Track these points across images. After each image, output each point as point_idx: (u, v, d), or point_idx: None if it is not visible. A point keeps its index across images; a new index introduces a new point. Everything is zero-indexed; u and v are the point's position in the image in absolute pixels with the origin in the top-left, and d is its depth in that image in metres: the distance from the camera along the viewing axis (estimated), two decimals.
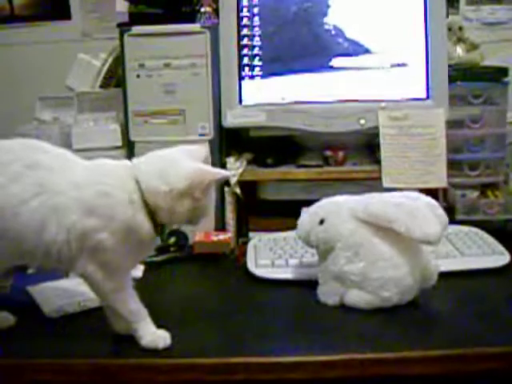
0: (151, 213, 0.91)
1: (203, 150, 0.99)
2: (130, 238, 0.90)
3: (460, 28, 1.57)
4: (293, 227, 1.10)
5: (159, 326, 0.93)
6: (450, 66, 1.42)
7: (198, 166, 0.93)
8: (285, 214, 1.15)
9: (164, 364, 0.88)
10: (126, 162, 0.96)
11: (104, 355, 0.90)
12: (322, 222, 1.04)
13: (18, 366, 0.90)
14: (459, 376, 0.89)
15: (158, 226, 0.93)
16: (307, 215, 1.07)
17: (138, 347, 0.90)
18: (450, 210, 1.45)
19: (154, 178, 0.91)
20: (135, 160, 0.96)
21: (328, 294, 1.03)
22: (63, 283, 1.14)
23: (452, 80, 1.40)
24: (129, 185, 0.91)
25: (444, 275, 1.06)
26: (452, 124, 1.40)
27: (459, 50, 1.55)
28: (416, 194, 1.03)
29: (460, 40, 1.56)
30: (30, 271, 1.21)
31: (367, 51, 1.41)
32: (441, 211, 1.01)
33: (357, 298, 1.00)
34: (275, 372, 0.87)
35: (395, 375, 0.87)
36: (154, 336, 0.91)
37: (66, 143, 1.42)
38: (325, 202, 1.08)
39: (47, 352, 0.92)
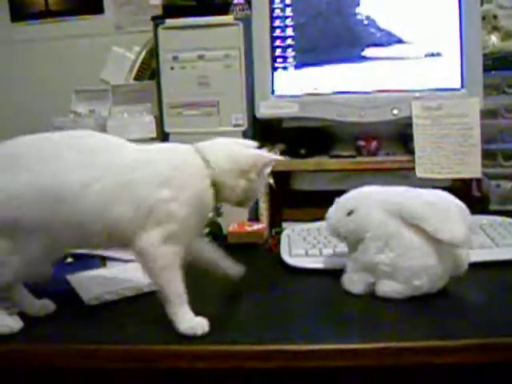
0: (215, 189, 0.97)
1: (254, 143, 1.06)
2: (196, 212, 0.95)
3: (494, 16, 1.55)
4: None
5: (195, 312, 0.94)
6: (484, 54, 1.41)
7: (256, 150, 1.03)
8: (318, 204, 1.15)
9: (201, 351, 0.89)
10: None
11: (142, 342, 0.92)
12: (350, 213, 1.04)
13: (58, 351, 0.92)
14: (492, 365, 0.89)
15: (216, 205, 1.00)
16: (335, 207, 1.07)
17: (175, 334, 0.91)
18: (483, 201, 1.45)
19: (220, 156, 0.98)
20: (196, 144, 1.01)
21: (354, 282, 1.04)
22: (101, 272, 1.17)
23: (486, 69, 1.39)
24: (198, 161, 0.97)
25: (477, 266, 1.06)
26: (486, 113, 1.39)
27: (494, 39, 1.53)
28: (447, 195, 1.02)
29: (495, 28, 1.54)
30: (68, 260, 1.24)
31: (400, 41, 1.40)
32: (468, 215, 1.01)
33: (388, 288, 1.00)
34: (312, 359, 0.87)
35: (429, 364, 0.87)
36: (192, 322, 0.92)
37: None
38: (353, 193, 1.08)
39: (85, 338, 0.93)
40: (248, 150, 1.01)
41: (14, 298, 1.00)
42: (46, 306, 1.01)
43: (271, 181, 1.37)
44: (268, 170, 1.04)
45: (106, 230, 0.92)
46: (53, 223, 0.91)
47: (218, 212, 1.02)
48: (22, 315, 0.98)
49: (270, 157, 1.03)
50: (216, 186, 0.97)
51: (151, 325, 0.95)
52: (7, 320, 0.95)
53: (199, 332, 0.91)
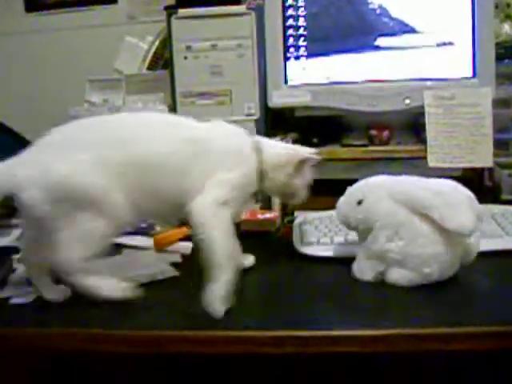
0: (259, 176, 1.06)
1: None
2: (244, 188, 1.04)
3: (508, 5, 1.55)
4: None
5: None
6: (497, 43, 1.41)
7: (294, 147, 1.13)
8: (330, 193, 1.15)
9: (211, 336, 0.90)
10: None
11: (154, 327, 0.93)
12: (360, 202, 1.05)
13: (71, 335, 0.93)
14: (501, 353, 0.90)
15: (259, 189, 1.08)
16: (345, 197, 1.08)
17: (185, 320, 0.93)
18: (495, 190, 1.45)
19: (269, 148, 1.08)
20: None
21: (364, 270, 1.04)
22: (116, 259, 1.18)
23: (499, 58, 1.39)
24: (252, 144, 1.06)
25: (488, 254, 1.06)
26: (499, 103, 1.39)
27: (507, 27, 1.53)
28: (455, 184, 1.02)
29: (507, 17, 1.54)
30: None
31: (413, 30, 1.41)
32: (477, 204, 1.01)
33: (398, 275, 1.01)
34: (323, 345, 0.88)
35: (439, 351, 0.88)
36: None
37: None
38: (362, 182, 1.08)
39: (98, 322, 0.95)
40: (288, 147, 1.12)
41: (36, 281, 1.02)
42: (64, 291, 1.02)
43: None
44: (308, 168, 1.10)
45: (179, 198, 0.99)
46: (136, 193, 0.97)
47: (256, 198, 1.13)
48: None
49: (306, 154, 1.09)
50: (260, 173, 1.05)
51: (163, 311, 0.97)
52: (117, 284, 0.99)
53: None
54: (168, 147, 1.00)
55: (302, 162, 1.08)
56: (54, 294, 1.01)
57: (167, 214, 1.07)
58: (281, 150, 1.10)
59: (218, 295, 0.93)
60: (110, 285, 0.98)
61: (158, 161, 0.99)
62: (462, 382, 1.27)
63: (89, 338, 0.92)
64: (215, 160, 1.01)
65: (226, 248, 0.96)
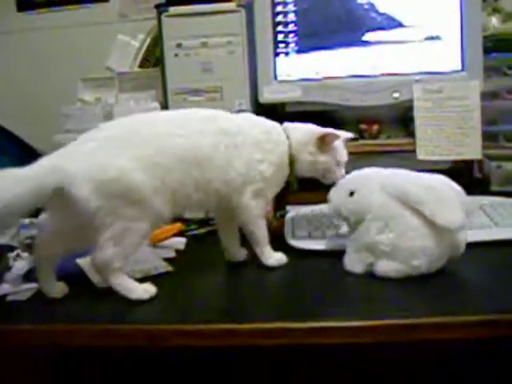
0: (290, 159, 1.13)
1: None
2: (277, 174, 1.11)
3: None
4: None
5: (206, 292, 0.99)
6: (484, 37, 1.42)
7: (314, 126, 1.16)
8: (321, 187, 1.17)
9: (207, 330, 0.91)
10: None
11: (150, 321, 0.95)
12: (352, 193, 1.06)
13: (71, 331, 0.95)
14: (489, 340, 0.91)
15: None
16: (337, 188, 1.10)
17: (182, 313, 0.95)
18: (485, 182, 1.46)
19: (294, 130, 1.14)
20: None
21: (355, 262, 1.06)
22: None
23: (487, 51, 1.40)
24: (280, 131, 1.14)
25: (478, 245, 1.08)
26: (487, 95, 1.40)
27: (494, 21, 1.54)
28: (446, 180, 1.03)
29: (495, 10, 1.55)
30: None
31: (401, 25, 1.42)
32: (467, 200, 1.03)
33: (387, 267, 1.02)
34: (315, 336, 0.89)
35: (430, 340, 0.89)
36: (276, 257, 1.11)
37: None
38: (355, 174, 1.10)
39: (97, 318, 0.96)
40: (311, 126, 1.16)
41: (40, 277, 1.04)
42: (64, 288, 1.05)
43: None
44: (337, 146, 1.15)
45: (221, 188, 1.06)
46: (183, 185, 1.03)
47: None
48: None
49: (324, 130, 1.13)
50: (290, 156, 1.12)
51: (155, 306, 0.98)
52: (142, 286, 1.01)
53: (283, 262, 1.11)
54: (211, 140, 1.05)
55: (322, 139, 1.13)
56: (55, 290, 1.03)
57: (210, 204, 1.10)
58: (303, 129, 1.15)
59: (268, 258, 1.11)
60: (137, 287, 1.00)
61: (204, 154, 1.04)
62: (454, 370, 1.29)
63: (89, 333, 0.94)
64: (248, 151, 1.08)
65: (263, 231, 1.11)
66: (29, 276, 1.12)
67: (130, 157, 0.97)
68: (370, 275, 1.04)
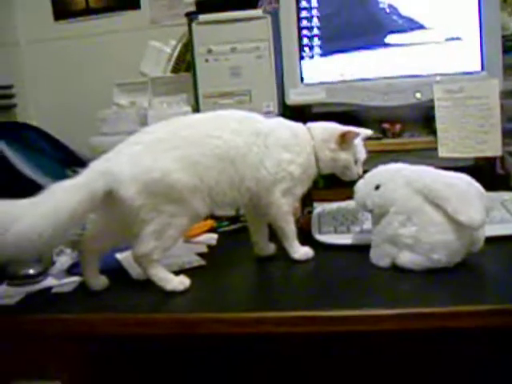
0: (315, 158, 1.17)
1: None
2: (305, 173, 1.16)
3: None
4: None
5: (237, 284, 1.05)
6: (504, 36, 1.45)
7: (335, 124, 1.21)
8: (346, 184, 1.21)
9: (238, 317, 0.97)
10: None
11: (183, 310, 1.01)
12: (377, 187, 1.10)
13: (111, 320, 1.01)
14: (507, 329, 0.95)
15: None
16: (364, 181, 1.14)
17: (213, 303, 1.01)
18: (506, 178, 1.49)
19: (317, 130, 1.19)
20: None
21: (380, 256, 1.09)
22: None
23: (506, 51, 1.43)
24: (306, 131, 1.19)
25: (497, 240, 1.11)
26: (507, 94, 1.43)
27: None
28: (468, 178, 1.06)
29: None
30: None
31: (421, 27, 1.46)
32: (487, 197, 1.05)
33: (408, 259, 1.05)
34: (342, 325, 0.94)
35: (446, 328, 0.93)
36: (303, 251, 1.16)
37: (143, 125, 1.50)
38: (381, 168, 1.14)
39: (138, 307, 1.03)
40: (333, 124, 1.20)
41: (85, 271, 1.10)
42: (105, 282, 1.11)
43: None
44: (357, 144, 1.19)
45: (252, 186, 1.12)
46: (219, 183, 1.08)
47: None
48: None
49: (345, 128, 1.18)
50: (315, 155, 1.17)
51: (191, 296, 1.04)
52: (178, 278, 1.07)
53: (310, 255, 1.16)
54: (245, 139, 1.10)
55: (343, 136, 1.17)
56: (97, 283, 1.09)
57: (242, 201, 1.15)
58: (325, 127, 1.20)
59: (296, 252, 1.15)
60: (173, 279, 1.06)
61: (239, 153, 1.09)
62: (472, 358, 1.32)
63: (133, 321, 1.00)
64: (278, 152, 1.13)
65: (291, 226, 1.16)
66: (71, 270, 1.19)
67: (172, 158, 1.04)
68: (393, 268, 1.07)
